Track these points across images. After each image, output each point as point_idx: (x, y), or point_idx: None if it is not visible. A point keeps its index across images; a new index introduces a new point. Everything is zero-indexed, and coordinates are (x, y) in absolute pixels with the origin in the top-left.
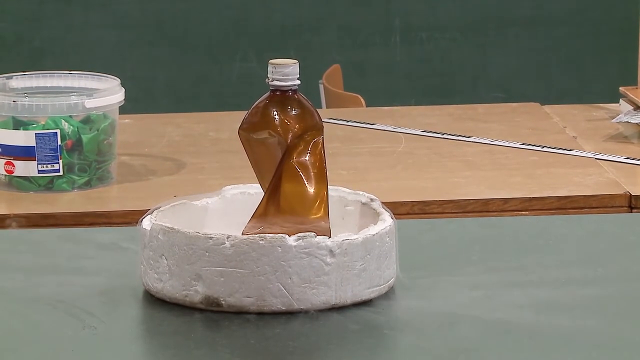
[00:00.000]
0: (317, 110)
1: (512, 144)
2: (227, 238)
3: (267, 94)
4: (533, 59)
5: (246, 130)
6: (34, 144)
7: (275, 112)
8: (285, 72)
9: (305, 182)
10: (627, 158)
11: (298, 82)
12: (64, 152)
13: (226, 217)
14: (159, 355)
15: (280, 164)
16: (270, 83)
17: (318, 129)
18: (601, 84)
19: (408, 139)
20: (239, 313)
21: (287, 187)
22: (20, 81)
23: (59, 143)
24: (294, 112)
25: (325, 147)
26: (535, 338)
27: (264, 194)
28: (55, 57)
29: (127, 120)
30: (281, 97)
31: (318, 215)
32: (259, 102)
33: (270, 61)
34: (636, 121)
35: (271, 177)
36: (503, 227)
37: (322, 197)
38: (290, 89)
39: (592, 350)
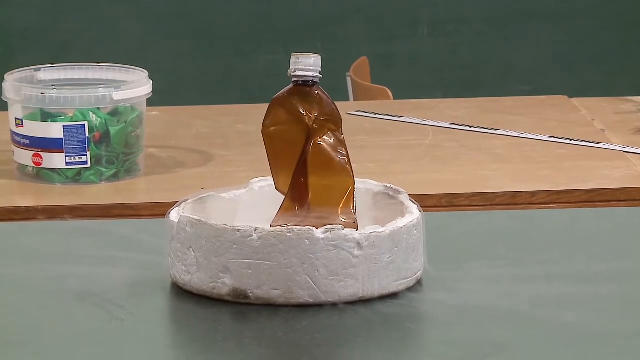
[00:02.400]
0: (336, 104)
1: (539, 137)
2: (255, 230)
3: (289, 86)
4: (559, 51)
5: (268, 122)
6: (62, 136)
7: (297, 102)
8: (307, 62)
9: (332, 175)
10: None
11: (320, 75)
12: (92, 144)
13: (254, 210)
14: (186, 347)
15: (303, 152)
16: (292, 74)
17: (336, 120)
18: (627, 76)
19: (435, 132)
20: (267, 305)
21: (314, 180)
22: (48, 73)
23: (87, 135)
24: (315, 103)
25: (353, 140)
26: (562, 332)
27: (286, 188)
28: (82, 49)
29: (154, 113)
30: (303, 88)
31: (345, 208)
32: (280, 94)
33: (293, 53)
34: None
35: (291, 171)
36: (531, 220)
37: (349, 190)
38: (312, 80)
39: (619, 345)
